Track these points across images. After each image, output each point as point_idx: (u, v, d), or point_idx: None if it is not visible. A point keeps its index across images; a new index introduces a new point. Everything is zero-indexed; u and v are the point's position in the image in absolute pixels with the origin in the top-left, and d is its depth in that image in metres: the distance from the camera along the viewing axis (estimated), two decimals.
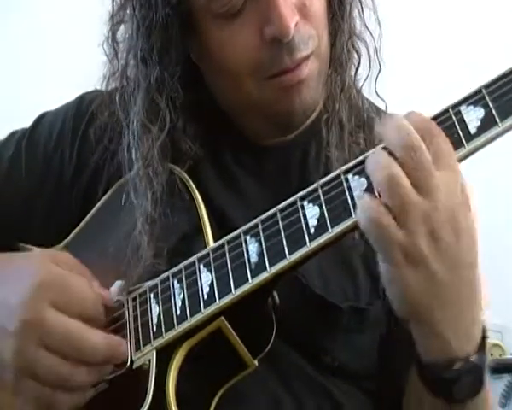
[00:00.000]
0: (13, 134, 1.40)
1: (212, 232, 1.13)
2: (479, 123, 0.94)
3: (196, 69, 1.24)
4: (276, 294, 1.07)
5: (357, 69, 1.26)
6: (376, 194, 0.93)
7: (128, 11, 1.22)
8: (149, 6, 1.17)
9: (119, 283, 1.14)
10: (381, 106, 1.28)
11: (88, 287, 1.08)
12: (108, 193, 1.28)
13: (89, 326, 1.04)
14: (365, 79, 1.25)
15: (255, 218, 1.05)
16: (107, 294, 1.11)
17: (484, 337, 0.99)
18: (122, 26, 1.26)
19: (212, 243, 1.10)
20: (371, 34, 1.24)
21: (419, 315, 0.95)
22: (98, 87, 1.35)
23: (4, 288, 1.07)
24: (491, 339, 2.49)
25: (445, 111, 0.96)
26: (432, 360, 0.98)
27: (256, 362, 1.08)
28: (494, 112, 0.93)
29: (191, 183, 1.19)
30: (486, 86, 0.94)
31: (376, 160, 0.93)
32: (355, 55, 1.25)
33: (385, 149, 0.93)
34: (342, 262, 1.21)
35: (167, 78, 1.19)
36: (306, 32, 1.15)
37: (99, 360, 1.05)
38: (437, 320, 0.94)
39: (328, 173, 1.01)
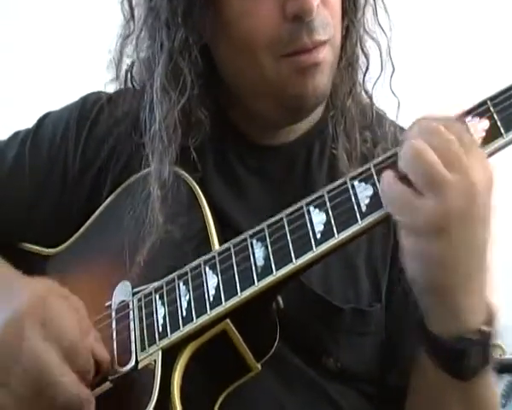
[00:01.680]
0: (16, 134, 1.39)
1: (217, 234, 1.14)
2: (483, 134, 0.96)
3: (207, 50, 1.23)
4: (280, 298, 1.08)
5: (366, 69, 1.27)
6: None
7: None
8: None
9: (125, 283, 1.15)
10: (394, 104, 1.29)
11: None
12: (116, 192, 1.27)
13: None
14: (377, 79, 1.26)
15: (258, 218, 1.06)
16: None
17: (489, 313, 1.01)
18: None
19: (217, 246, 1.11)
20: (385, 34, 1.25)
21: (439, 286, 0.95)
22: (101, 86, 1.35)
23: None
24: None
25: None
26: (443, 333, 0.99)
27: (259, 366, 1.09)
28: (499, 124, 0.95)
29: (196, 186, 1.20)
30: (491, 98, 0.96)
31: (407, 146, 0.94)
32: (365, 56, 1.27)
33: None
34: (344, 265, 1.21)
35: (191, 43, 1.19)
36: (325, 18, 1.16)
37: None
38: (455, 291, 0.96)
39: (333, 172, 1.02)
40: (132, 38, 1.28)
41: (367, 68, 1.27)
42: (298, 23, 1.13)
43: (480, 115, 0.96)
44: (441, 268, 0.94)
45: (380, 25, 1.26)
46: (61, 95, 1.44)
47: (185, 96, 1.19)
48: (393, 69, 1.26)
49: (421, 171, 0.92)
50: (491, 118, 0.95)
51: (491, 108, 0.95)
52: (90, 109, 1.35)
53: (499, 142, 0.95)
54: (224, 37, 1.19)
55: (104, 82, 1.36)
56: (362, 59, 1.27)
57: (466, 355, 0.99)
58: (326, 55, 1.17)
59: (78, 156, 1.32)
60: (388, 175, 0.95)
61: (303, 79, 1.16)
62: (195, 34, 1.18)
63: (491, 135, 0.95)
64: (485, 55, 2.31)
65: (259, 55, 1.16)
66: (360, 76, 1.28)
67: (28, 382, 1.01)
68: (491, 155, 0.95)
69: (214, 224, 1.15)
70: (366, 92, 1.28)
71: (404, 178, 0.94)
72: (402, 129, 1.29)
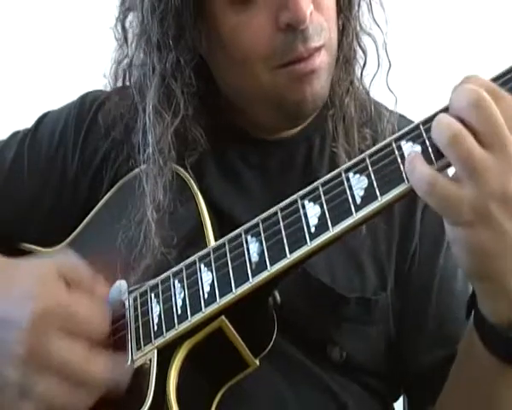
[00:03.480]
0: (15, 134, 1.40)
1: (214, 229, 1.13)
2: None
3: (203, 61, 1.23)
4: (277, 293, 1.07)
5: (363, 66, 1.26)
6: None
7: None
8: None
9: (121, 282, 1.14)
10: (391, 101, 1.28)
11: (93, 307, 1.04)
12: (112, 190, 1.28)
13: (91, 352, 1.01)
14: (374, 76, 1.25)
15: (258, 214, 1.05)
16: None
17: None
18: (131, 14, 1.25)
19: (212, 242, 1.10)
20: (381, 30, 1.24)
21: (490, 273, 0.92)
22: (100, 86, 1.35)
23: (8, 306, 1.03)
24: None
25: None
26: (497, 319, 0.96)
27: (257, 362, 1.08)
28: None
29: (192, 181, 1.19)
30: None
31: (438, 122, 0.89)
32: (362, 53, 1.26)
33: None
34: (349, 254, 1.21)
35: (182, 64, 1.19)
36: (319, 23, 1.15)
37: (101, 387, 1.02)
38: (507, 277, 0.92)
39: (334, 169, 1.00)
40: (126, 62, 1.28)
41: (364, 64, 1.26)
42: (291, 32, 1.13)
43: None
44: (491, 255, 0.90)
45: (375, 20, 1.25)
46: (61, 94, 1.45)
47: (179, 117, 1.20)
48: (390, 65, 1.25)
49: (458, 160, 0.87)
50: None
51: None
52: (88, 108, 1.35)
53: None
54: (220, 51, 1.20)
55: (103, 80, 1.36)
56: (360, 54, 1.26)
57: None
58: (322, 60, 1.17)
59: (76, 155, 1.33)
60: (426, 173, 0.89)
61: (300, 87, 1.16)
62: (187, 55, 1.18)
63: None
64: (483, 50, 2.30)
65: (255, 67, 1.16)
66: (358, 72, 1.27)
67: None
68: None
69: (211, 220, 1.14)
70: (364, 88, 1.27)
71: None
72: (402, 117, 1.28)
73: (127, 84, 1.31)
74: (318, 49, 1.15)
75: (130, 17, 1.26)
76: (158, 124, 1.20)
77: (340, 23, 1.22)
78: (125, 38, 1.27)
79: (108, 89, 1.35)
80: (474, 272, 0.94)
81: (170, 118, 1.19)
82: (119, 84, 1.33)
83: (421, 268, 1.23)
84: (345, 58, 1.24)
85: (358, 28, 1.24)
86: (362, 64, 1.26)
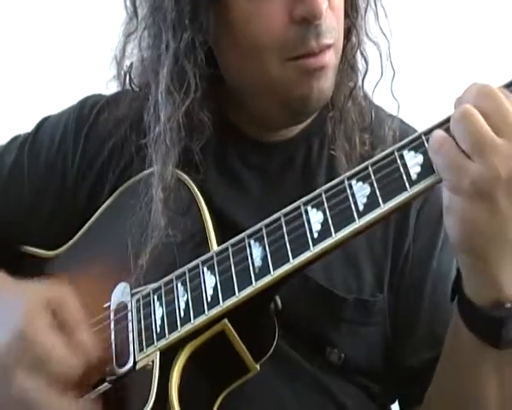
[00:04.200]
0: (15, 138, 1.40)
1: (215, 232, 1.14)
2: None
3: (211, 52, 1.22)
4: (278, 299, 1.08)
5: (366, 72, 1.27)
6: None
7: None
8: None
9: (124, 285, 1.15)
10: (394, 107, 1.29)
11: (65, 349, 1.04)
12: (114, 194, 1.28)
13: (56, 390, 1.03)
14: (377, 83, 1.26)
15: (257, 215, 1.06)
16: (92, 346, 1.08)
17: None
18: None
19: (215, 246, 1.11)
20: (386, 38, 1.25)
21: (477, 250, 0.94)
22: (101, 89, 1.35)
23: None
24: None
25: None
26: (480, 300, 0.98)
27: (258, 366, 1.09)
28: None
29: (194, 186, 1.20)
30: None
31: (457, 110, 0.92)
32: (364, 59, 1.27)
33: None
34: (346, 256, 1.22)
35: (197, 45, 1.18)
36: (332, 22, 1.16)
37: None
38: (493, 257, 0.94)
39: (332, 172, 1.02)
40: (135, 36, 1.27)
41: (366, 70, 1.27)
42: (305, 26, 1.13)
43: None
44: (482, 233, 0.92)
45: (381, 28, 1.26)
46: (61, 98, 1.45)
47: (189, 98, 1.18)
48: (394, 73, 1.26)
49: (468, 134, 0.90)
50: None
51: None
52: (88, 112, 1.35)
53: None
54: (229, 38, 1.19)
55: (104, 84, 1.36)
56: (362, 61, 1.27)
57: (503, 324, 0.97)
58: (331, 59, 1.17)
59: (76, 159, 1.33)
60: (438, 134, 0.92)
61: (308, 82, 1.16)
62: (202, 36, 1.17)
63: None
64: (485, 57, 2.31)
65: (265, 57, 1.15)
66: (360, 78, 1.28)
67: None
68: None
69: (213, 224, 1.15)
70: (365, 94, 1.28)
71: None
72: (402, 123, 1.30)
73: (134, 59, 1.30)
74: (329, 46, 1.16)
75: None
76: (169, 103, 1.19)
77: (345, 28, 1.23)
78: (135, 12, 1.26)
79: (115, 64, 1.32)
80: (462, 244, 0.95)
81: (181, 98, 1.18)
82: (127, 59, 1.31)
83: (414, 268, 1.24)
84: (348, 62, 1.25)
85: (363, 35, 1.25)
86: (364, 70, 1.27)
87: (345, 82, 1.26)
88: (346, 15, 1.23)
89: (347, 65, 1.25)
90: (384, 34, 1.25)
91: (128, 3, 1.28)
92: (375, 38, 1.26)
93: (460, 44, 2.37)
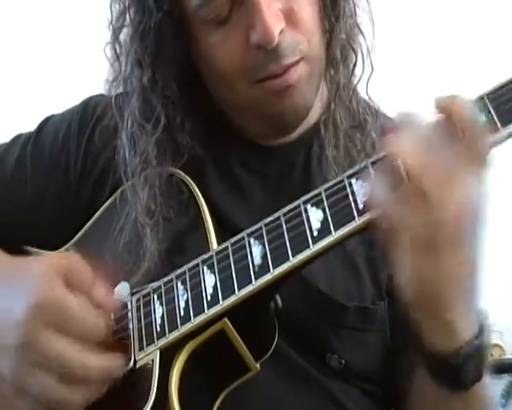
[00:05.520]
0: (18, 137, 1.41)
1: (215, 234, 1.14)
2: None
3: (195, 69, 1.25)
4: (278, 298, 1.08)
5: (353, 69, 1.26)
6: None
7: (127, 16, 1.24)
8: (143, 11, 1.19)
9: (124, 284, 1.15)
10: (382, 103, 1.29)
11: (87, 308, 1.05)
12: (114, 195, 1.28)
13: (84, 348, 1.02)
14: (358, 80, 1.26)
15: (258, 219, 1.06)
16: (111, 301, 1.10)
17: (481, 320, 1.01)
18: (124, 30, 1.27)
19: (215, 246, 1.11)
20: (363, 35, 1.25)
21: (429, 301, 0.96)
22: (102, 91, 1.36)
23: (7, 298, 1.06)
24: (492, 339, 2.51)
25: None
26: (438, 348, 0.99)
27: (258, 365, 1.08)
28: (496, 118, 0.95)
29: (193, 184, 1.20)
30: (488, 94, 0.96)
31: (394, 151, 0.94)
32: (351, 55, 1.25)
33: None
34: (347, 263, 1.22)
35: (160, 78, 1.21)
36: (294, 39, 1.15)
37: (93, 381, 1.04)
38: (446, 306, 0.96)
39: (332, 173, 1.02)
40: (119, 79, 1.29)
41: (354, 67, 1.26)
42: (263, 51, 1.14)
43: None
44: (428, 283, 0.94)
45: (359, 27, 1.25)
46: (64, 97, 1.45)
47: (159, 127, 1.22)
48: (372, 70, 1.25)
49: (410, 187, 0.92)
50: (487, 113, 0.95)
51: (488, 103, 0.95)
52: (91, 112, 1.36)
53: (496, 136, 0.94)
54: (203, 67, 1.23)
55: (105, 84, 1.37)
56: (350, 58, 1.25)
57: (462, 370, 0.99)
58: (301, 73, 1.17)
59: (79, 160, 1.33)
60: (377, 185, 0.94)
61: (280, 101, 1.18)
62: (168, 69, 1.21)
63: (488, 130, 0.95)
64: (478, 56, 2.32)
65: (235, 83, 1.18)
66: (347, 77, 1.26)
67: None
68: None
69: (213, 224, 1.15)
70: (353, 92, 1.27)
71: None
72: (387, 118, 1.29)
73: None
74: (294, 63, 1.16)
75: (122, 36, 1.27)
76: (141, 136, 1.22)
77: (325, 27, 1.22)
78: (117, 57, 1.28)
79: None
80: (413, 297, 0.97)
81: (150, 128, 1.22)
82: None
83: None
84: (333, 61, 1.24)
85: (346, 32, 1.24)
86: (351, 67, 1.26)
87: (332, 83, 1.25)
88: (325, 16, 1.22)
89: (333, 65, 1.24)
90: (362, 34, 1.24)
91: (109, 50, 1.29)
92: (356, 37, 1.25)
93: (451, 42, 2.38)
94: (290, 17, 1.15)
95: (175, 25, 1.19)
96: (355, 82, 1.26)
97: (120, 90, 1.29)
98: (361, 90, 1.27)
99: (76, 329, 1.02)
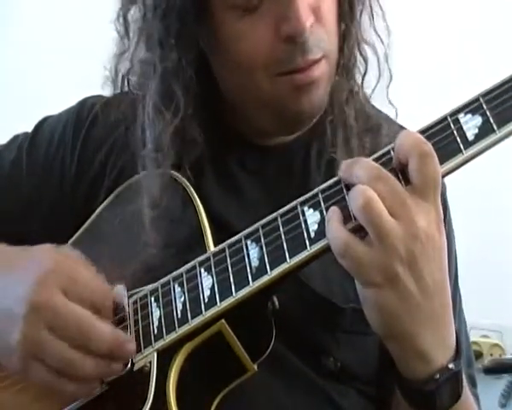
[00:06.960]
0: (15, 138, 1.41)
1: (212, 236, 1.14)
2: (477, 130, 0.96)
3: (205, 61, 1.23)
4: (275, 299, 1.08)
5: (364, 75, 1.27)
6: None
7: None
8: None
9: (120, 287, 1.15)
10: (392, 113, 1.29)
11: (98, 279, 1.10)
12: (110, 196, 1.28)
13: (98, 316, 1.06)
14: (375, 87, 1.26)
15: (256, 220, 1.06)
16: (110, 305, 1.12)
17: (457, 344, 1.02)
18: (133, 7, 1.25)
19: (212, 248, 1.11)
20: (381, 41, 1.25)
21: (397, 333, 0.98)
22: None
23: (13, 275, 1.09)
24: (491, 339, 2.51)
25: (444, 119, 0.98)
26: (412, 376, 1.00)
27: (255, 367, 1.09)
28: (492, 120, 0.95)
29: (190, 187, 1.20)
30: (484, 95, 0.96)
31: (354, 189, 0.96)
32: (363, 61, 1.26)
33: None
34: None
35: (184, 63, 1.19)
36: (320, 35, 1.16)
37: (105, 350, 1.05)
38: (414, 336, 0.97)
39: (331, 174, 1.02)
40: (127, 55, 1.28)
41: (365, 73, 1.27)
42: (291, 44, 1.13)
43: (473, 112, 0.96)
44: (399, 316, 0.96)
45: (376, 31, 1.26)
46: (60, 99, 1.45)
47: (178, 116, 1.20)
48: (391, 77, 1.26)
49: (370, 224, 0.93)
50: (483, 114, 0.95)
51: (484, 105, 0.96)
52: (87, 114, 1.36)
53: (492, 138, 0.95)
54: (220, 55, 1.20)
55: (103, 82, 1.36)
56: (361, 63, 1.27)
57: (436, 396, 1.00)
58: (322, 71, 1.17)
59: (75, 160, 1.33)
60: (340, 238, 0.95)
61: (299, 96, 1.17)
62: (189, 54, 1.19)
63: (484, 131, 0.95)
64: (483, 59, 2.32)
65: (256, 74, 1.16)
66: (359, 81, 1.27)
67: None
68: (483, 151, 0.96)
69: (209, 225, 1.15)
70: (365, 97, 1.28)
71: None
72: (403, 128, 1.29)
73: (128, 78, 1.31)
74: (318, 60, 1.16)
75: (133, 10, 1.26)
76: (157, 122, 1.20)
77: (341, 31, 1.23)
78: (127, 31, 1.27)
79: (109, 83, 1.34)
80: (383, 330, 0.99)
81: (169, 117, 1.20)
82: (120, 78, 1.32)
83: None
84: (345, 66, 1.25)
85: (360, 37, 1.25)
86: (362, 72, 1.27)
87: (343, 85, 1.25)
88: (342, 19, 1.22)
89: (345, 68, 1.25)
90: (379, 37, 1.25)
91: (120, 21, 1.28)
92: (371, 41, 1.25)
93: (458, 47, 2.37)
94: (317, 14, 1.15)
95: (198, 6, 1.16)
96: (370, 88, 1.27)
97: (128, 66, 1.28)
98: (380, 96, 1.27)
99: (89, 297, 1.07)
